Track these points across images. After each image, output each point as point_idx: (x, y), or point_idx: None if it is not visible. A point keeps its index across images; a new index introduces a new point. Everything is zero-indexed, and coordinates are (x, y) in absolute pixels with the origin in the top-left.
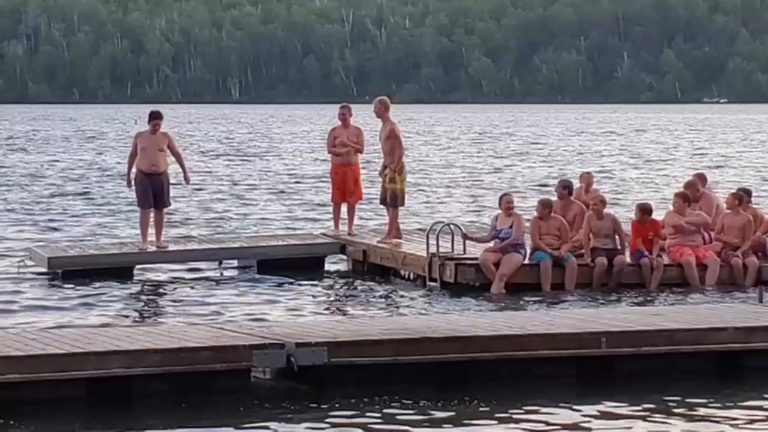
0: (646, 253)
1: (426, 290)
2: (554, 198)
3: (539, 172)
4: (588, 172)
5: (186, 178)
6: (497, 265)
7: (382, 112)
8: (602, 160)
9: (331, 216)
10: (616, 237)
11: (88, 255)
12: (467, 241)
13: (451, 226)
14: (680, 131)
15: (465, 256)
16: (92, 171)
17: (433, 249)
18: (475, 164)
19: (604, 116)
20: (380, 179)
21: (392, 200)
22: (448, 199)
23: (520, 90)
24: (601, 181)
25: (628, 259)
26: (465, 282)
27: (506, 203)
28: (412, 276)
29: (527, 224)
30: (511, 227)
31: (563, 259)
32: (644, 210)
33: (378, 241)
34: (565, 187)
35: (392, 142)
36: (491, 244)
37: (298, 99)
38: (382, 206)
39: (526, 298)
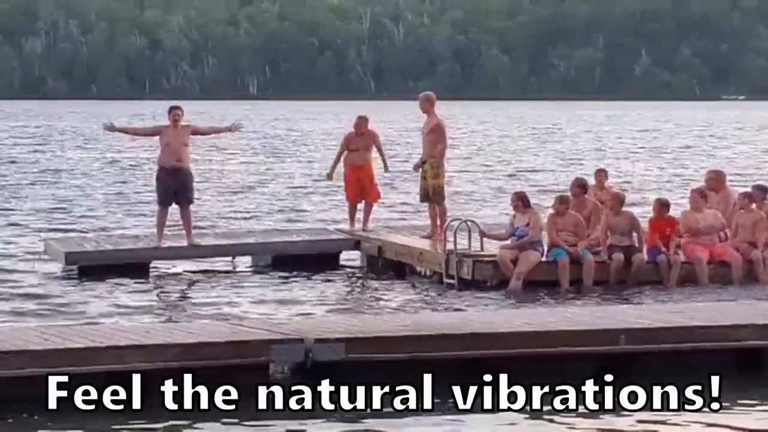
0: (663, 249)
1: (443, 287)
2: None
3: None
4: (602, 169)
5: (236, 126)
6: (515, 262)
7: (427, 108)
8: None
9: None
10: (634, 234)
11: (105, 250)
12: (485, 239)
13: (469, 223)
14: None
15: (482, 253)
16: (111, 166)
17: (450, 246)
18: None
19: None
20: (416, 177)
21: (436, 196)
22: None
23: (536, 87)
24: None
25: (645, 256)
26: (482, 279)
27: (511, 201)
28: (428, 272)
29: (544, 221)
30: (527, 225)
31: (580, 256)
32: (663, 204)
33: (421, 236)
34: (581, 185)
35: (436, 136)
36: (509, 241)
37: (315, 96)
38: (423, 203)
39: (544, 295)
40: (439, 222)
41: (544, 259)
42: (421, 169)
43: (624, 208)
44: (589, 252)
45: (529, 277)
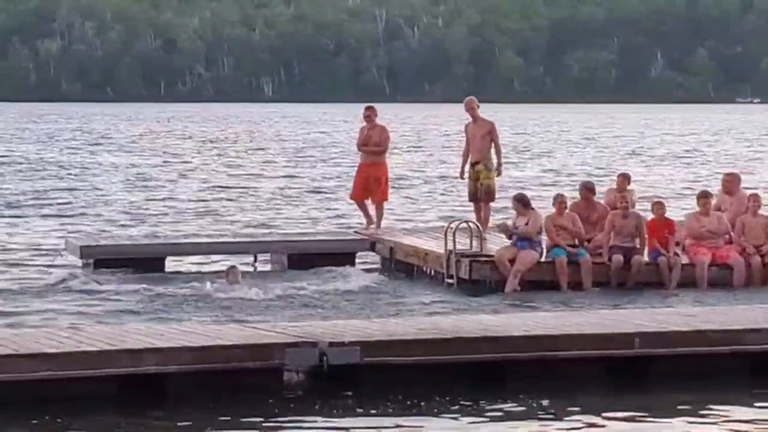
0: (663, 251)
1: (443, 288)
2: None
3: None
4: (624, 173)
5: None
6: (513, 261)
7: (474, 111)
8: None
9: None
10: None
11: (120, 245)
12: (486, 239)
13: (470, 224)
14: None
15: (480, 253)
16: (131, 169)
17: (451, 246)
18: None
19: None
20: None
21: (489, 195)
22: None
23: (551, 89)
24: None
25: (646, 258)
26: (480, 279)
27: (512, 204)
28: (434, 273)
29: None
30: (526, 224)
31: (576, 256)
32: (660, 207)
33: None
34: (589, 188)
35: (492, 138)
36: (509, 242)
37: (331, 98)
38: (470, 202)
39: (542, 296)
40: (483, 220)
41: (543, 259)
42: (472, 170)
43: (631, 210)
44: (586, 252)
45: (527, 277)
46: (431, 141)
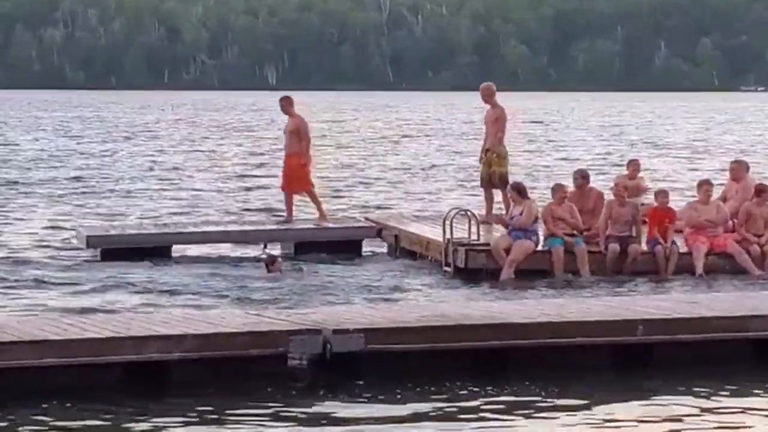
0: (661, 240)
1: (442, 276)
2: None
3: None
4: (634, 160)
5: None
6: (508, 251)
7: (488, 98)
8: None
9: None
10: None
11: (127, 234)
12: (483, 228)
13: (468, 213)
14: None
15: (477, 242)
16: (140, 159)
17: (449, 234)
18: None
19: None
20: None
21: (502, 182)
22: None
23: (556, 78)
24: None
25: (644, 246)
26: (476, 267)
27: (508, 191)
28: (435, 261)
29: (539, 211)
30: (521, 214)
31: (572, 245)
32: (663, 195)
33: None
34: (584, 176)
35: (498, 126)
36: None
37: (335, 86)
38: (482, 188)
39: (537, 285)
40: (505, 205)
41: (540, 248)
42: (485, 156)
43: (628, 199)
44: (582, 242)
45: (522, 266)
46: (445, 129)
